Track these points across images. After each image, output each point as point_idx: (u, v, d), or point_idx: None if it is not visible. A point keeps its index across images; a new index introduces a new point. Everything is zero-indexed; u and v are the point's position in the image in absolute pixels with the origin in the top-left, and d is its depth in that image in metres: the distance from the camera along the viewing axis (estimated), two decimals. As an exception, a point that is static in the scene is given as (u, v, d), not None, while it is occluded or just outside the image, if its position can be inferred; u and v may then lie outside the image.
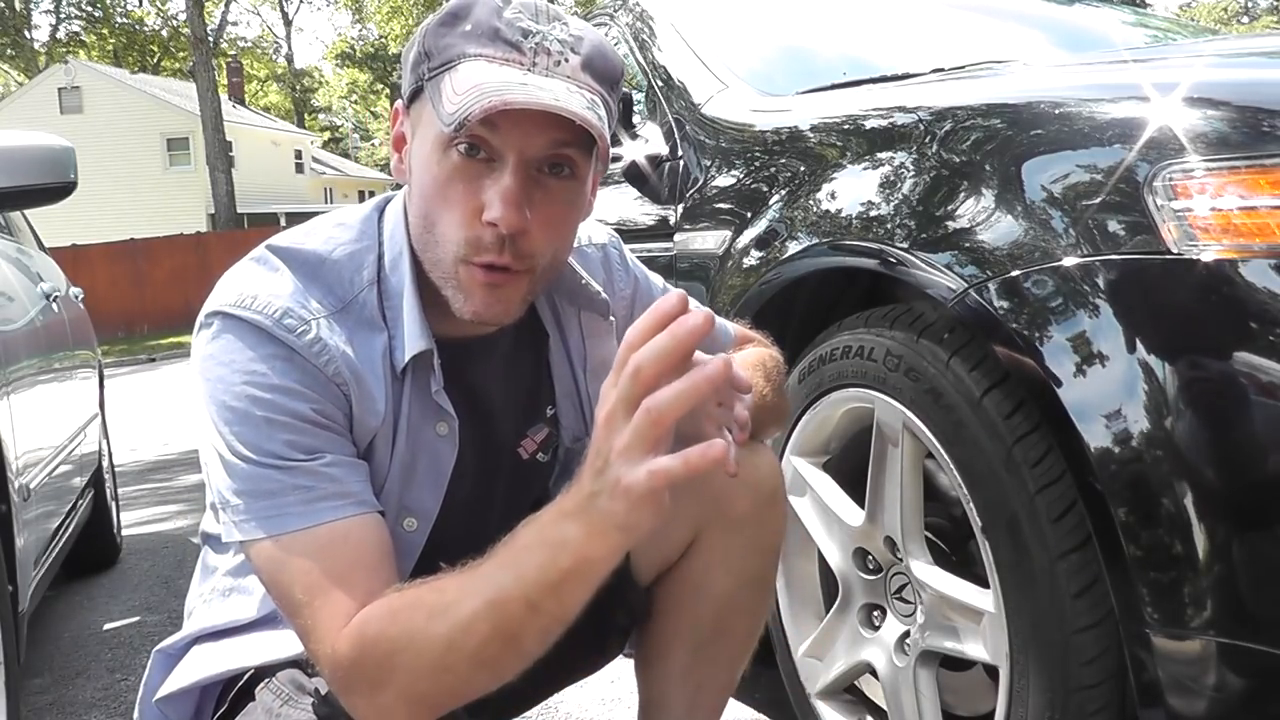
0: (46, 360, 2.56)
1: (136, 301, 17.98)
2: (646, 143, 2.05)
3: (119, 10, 32.64)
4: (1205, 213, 1.03)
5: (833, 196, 1.52)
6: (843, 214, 1.48)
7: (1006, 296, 1.16)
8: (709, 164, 1.89)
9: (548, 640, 0.82)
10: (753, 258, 1.65)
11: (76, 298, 3.41)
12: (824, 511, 1.54)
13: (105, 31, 32.37)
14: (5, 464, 1.82)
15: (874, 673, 1.49)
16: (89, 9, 32.08)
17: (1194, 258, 1.02)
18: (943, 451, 1.27)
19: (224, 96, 25.97)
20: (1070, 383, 1.09)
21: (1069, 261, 1.11)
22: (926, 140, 1.37)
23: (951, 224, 1.26)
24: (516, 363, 1.09)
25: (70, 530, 2.69)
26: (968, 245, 1.23)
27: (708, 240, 1.82)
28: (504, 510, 1.11)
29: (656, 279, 1.23)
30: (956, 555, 1.41)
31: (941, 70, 1.82)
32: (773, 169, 1.72)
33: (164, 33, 31.92)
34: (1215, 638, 1.00)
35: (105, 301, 14.75)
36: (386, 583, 0.89)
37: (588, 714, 1.89)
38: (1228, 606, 1.00)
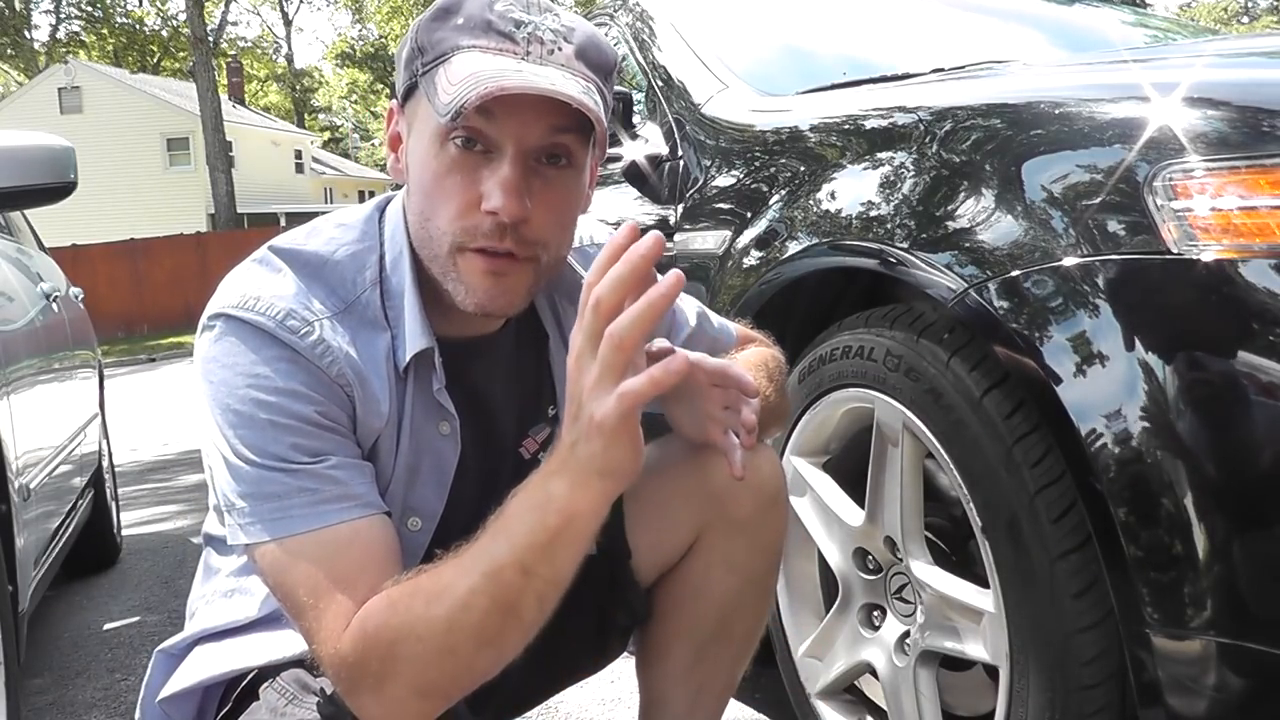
0: (46, 360, 2.56)
1: (136, 301, 17.99)
2: (646, 143, 2.06)
3: (119, 10, 32.65)
4: (1205, 213, 1.03)
5: (833, 196, 1.52)
6: (843, 214, 1.48)
7: (1006, 296, 1.16)
8: (709, 164, 1.89)
9: (546, 608, 0.82)
10: (753, 258, 1.65)
11: (76, 298, 3.41)
12: (824, 511, 1.54)
13: (105, 31, 32.37)
14: (5, 464, 1.82)
15: (874, 673, 1.49)
16: (89, 9, 32.08)
17: (1194, 258, 1.02)
18: (943, 451, 1.27)
19: (224, 96, 25.98)
20: (1070, 383, 1.09)
21: (1069, 261, 1.11)
22: (926, 140, 1.37)
23: (951, 224, 1.26)
24: (518, 362, 1.09)
25: (70, 530, 2.69)
26: (968, 245, 1.23)
27: (708, 240, 1.82)
28: (505, 510, 1.11)
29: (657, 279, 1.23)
30: (956, 555, 1.41)
31: (941, 70, 1.82)
32: (773, 169, 1.72)
33: (164, 33, 31.94)
34: (1215, 638, 1.00)
35: (105, 301, 14.75)
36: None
37: (588, 714, 1.89)
38: (1228, 606, 1.00)
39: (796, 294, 1.61)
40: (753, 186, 1.75)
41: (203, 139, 21.26)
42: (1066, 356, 1.10)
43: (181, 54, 30.43)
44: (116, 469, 3.96)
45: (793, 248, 1.56)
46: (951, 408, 1.25)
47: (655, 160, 2.01)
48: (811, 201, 1.56)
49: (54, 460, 2.41)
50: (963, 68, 1.84)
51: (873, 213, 1.40)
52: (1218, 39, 2.31)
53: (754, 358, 1.18)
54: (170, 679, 1.06)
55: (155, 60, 33.36)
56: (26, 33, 32.06)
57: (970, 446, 1.23)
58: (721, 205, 1.82)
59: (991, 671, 1.31)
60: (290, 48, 46.40)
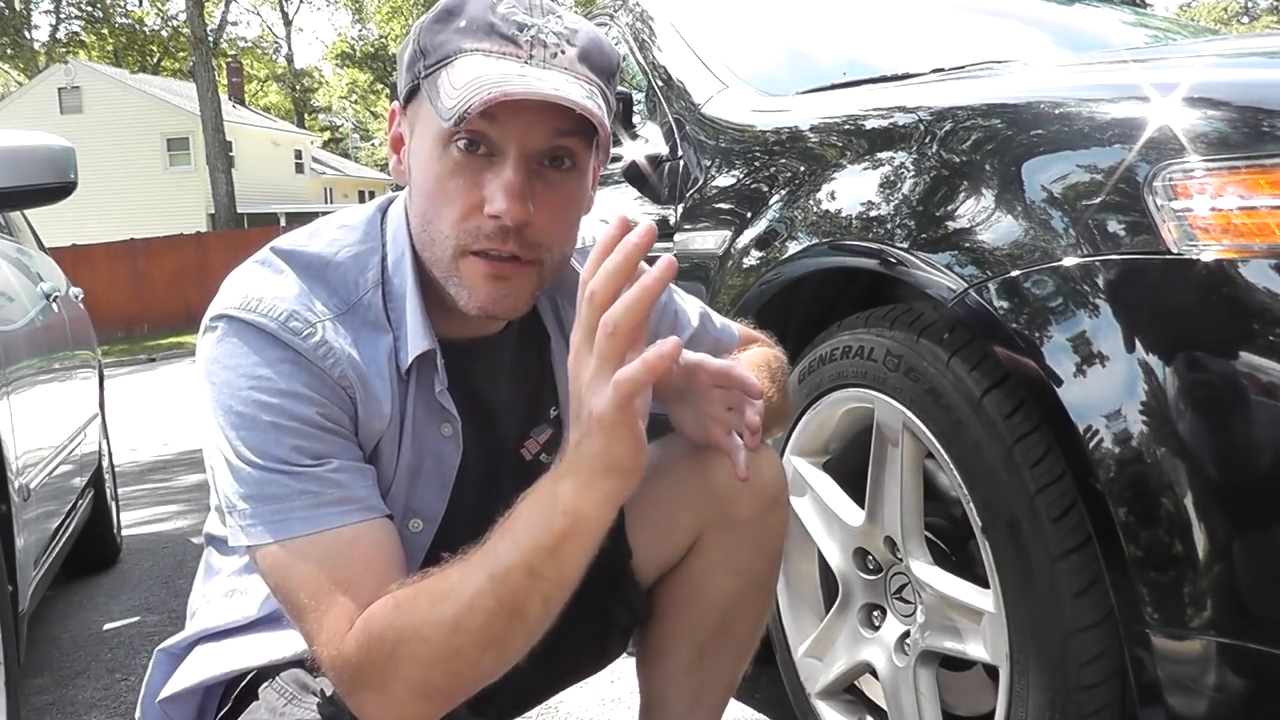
0: (46, 360, 2.56)
1: (136, 301, 17.98)
2: (646, 143, 2.06)
3: (119, 10, 32.64)
4: (1205, 213, 1.03)
5: (833, 196, 1.52)
6: (843, 214, 1.48)
7: (1006, 296, 1.16)
8: (709, 164, 1.89)
9: (551, 610, 0.82)
10: (753, 258, 1.65)
11: (76, 298, 3.41)
12: (824, 511, 1.54)
13: (105, 31, 32.38)
14: (5, 464, 1.82)
15: (874, 673, 1.49)
16: (89, 9, 32.09)
17: (1194, 258, 1.02)
18: (943, 451, 1.27)
19: (224, 96, 25.98)
20: (1070, 383, 1.09)
21: (1069, 261, 1.11)
22: (926, 140, 1.37)
23: (951, 224, 1.26)
24: (520, 364, 1.09)
25: (70, 530, 2.69)
26: (968, 245, 1.23)
27: (708, 240, 1.82)
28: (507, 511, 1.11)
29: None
30: (956, 555, 1.41)
31: (941, 70, 1.82)
32: (773, 169, 1.72)
33: (164, 33, 31.93)
34: (1215, 638, 1.00)
35: (105, 301, 14.74)
36: (394, 587, 0.89)
37: (588, 714, 1.89)
38: (1228, 606, 1.00)
39: (796, 294, 1.61)
40: (753, 186, 1.75)
41: (203, 139, 21.26)
42: (1066, 356, 1.10)
43: (181, 54, 30.44)
44: (116, 469, 3.96)
45: (793, 248, 1.56)
46: (951, 408, 1.25)
47: (655, 160, 2.01)
48: (811, 201, 1.56)
49: (54, 460, 2.42)
50: (963, 68, 1.84)
51: (873, 213, 1.40)
52: (1218, 39, 2.31)
53: (756, 358, 1.18)
54: (170, 679, 1.06)
55: (155, 60, 33.37)
56: (26, 33, 32.06)
57: (970, 446, 1.23)
58: (721, 205, 1.82)
59: (991, 671, 1.31)
60: (290, 48, 46.44)
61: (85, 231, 20.03)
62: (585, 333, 0.74)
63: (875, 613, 1.50)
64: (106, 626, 2.80)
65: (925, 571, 1.36)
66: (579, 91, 0.88)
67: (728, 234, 1.76)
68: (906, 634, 1.43)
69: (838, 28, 2.36)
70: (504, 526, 0.82)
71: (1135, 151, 1.09)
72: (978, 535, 1.24)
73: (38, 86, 28.45)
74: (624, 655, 1.24)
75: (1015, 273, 1.16)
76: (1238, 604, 1.00)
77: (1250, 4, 41.92)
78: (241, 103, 33.34)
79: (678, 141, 1.99)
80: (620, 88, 2.15)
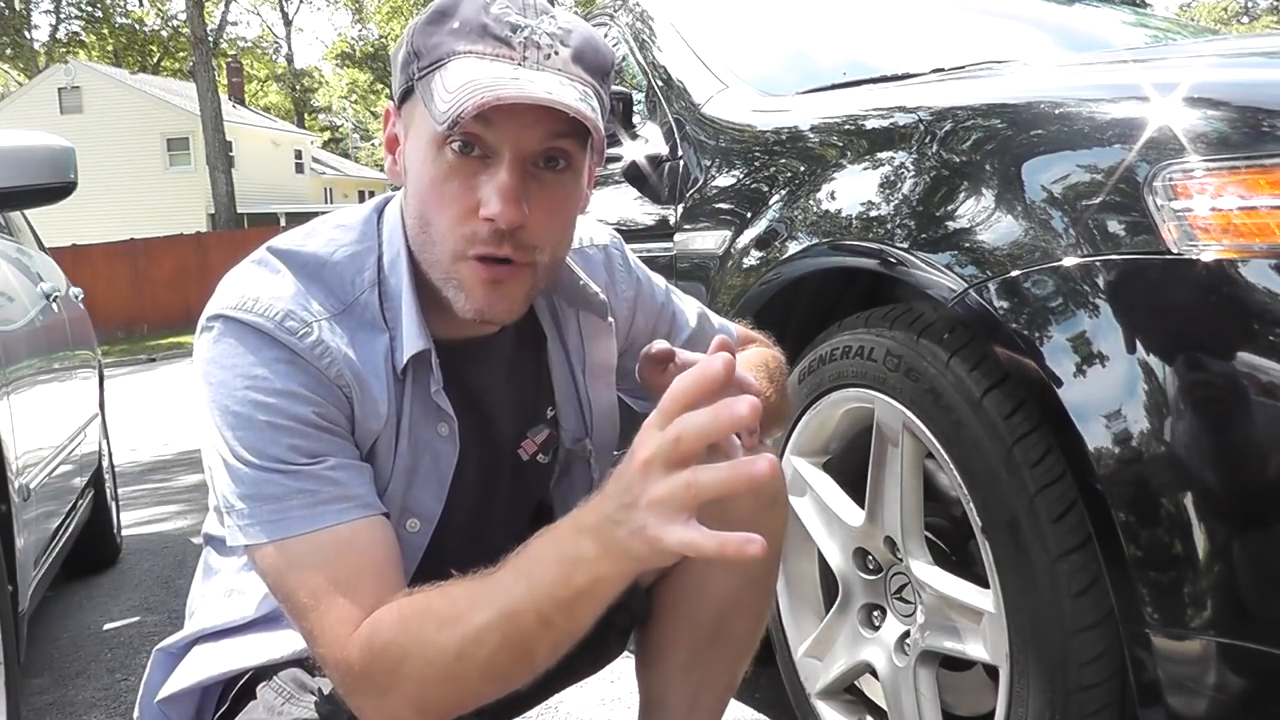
0: (46, 360, 2.56)
1: (136, 301, 17.99)
2: (646, 143, 2.06)
3: (119, 10, 32.64)
4: (1205, 213, 1.03)
5: (833, 196, 1.52)
6: (843, 214, 1.48)
7: (1006, 296, 1.16)
8: (709, 164, 1.89)
9: (558, 653, 0.82)
10: (753, 258, 1.65)
11: (76, 298, 3.41)
12: (824, 511, 1.54)
13: (105, 31, 32.37)
14: (5, 464, 1.82)
15: (874, 673, 1.49)
16: (89, 9, 32.08)
17: (1194, 258, 1.02)
18: (943, 451, 1.27)
19: (224, 96, 25.97)
20: (1070, 383, 1.09)
21: (1069, 261, 1.11)
22: (926, 140, 1.37)
23: (951, 224, 1.26)
24: (517, 364, 1.08)
25: (70, 530, 2.69)
26: (968, 245, 1.23)
27: (708, 240, 1.82)
28: (506, 511, 1.11)
29: (659, 280, 1.23)
30: (956, 555, 1.41)
31: (941, 70, 1.82)
32: (773, 169, 1.72)
33: (164, 33, 31.93)
34: (1215, 638, 1.00)
35: (105, 301, 14.75)
36: (393, 586, 0.89)
37: (588, 714, 1.89)
38: (1228, 606, 1.00)
39: (796, 294, 1.61)
40: (753, 186, 1.75)
41: (203, 139, 21.26)
42: (1067, 356, 1.10)
43: (181, 54, 30.44)
44: (116, 469, 3.96)
45: (793, 248, 1.56)
46: (951, 408, 1.25)
47: (655, 160, 2.01)
48: (811, 201, 1.56)
49: (54, 460, 2.41)
50: (963, 68, 1.84)
51: (873, 213, 1.40)
52: (1218, 39, 2.31)
53: (755, 358, 1.18)
54: (169, 679, 1.06)
55: (155, 60, 33.36)
56: (26, 33, 32.06)
57: (970, 446, 1.23)
58: (721, 205, 1.82)
59: (991, 671, 1.31)
60: (290, 48, 46.45)
61: (85, 231, 20.03)
62: (663, 459, 0.72)
63: (875, 613, 1.50)
64: (106, 626, 2.80)
65: (925, 571, 1.36)
66: (572, 94, 0.88)
67: (728, 234, 1.76)
68: (906, 634, 1.43)
69: (838, 28, 2.36)
70: (519, 564, 0.81)
71: (1135, 151, 1.09)
72: (978, 535, 1.24)
73: (38, 86, 28.45)
74: (623, 655, 1.24)
75: (1015, 273, 1.16)
76: (1238, 604, 1.00)
77: (1250, 4, 41.91)
78: (241, 103, 33.34)
79: (678, 141, 1.99)
80: (620, 88, 2.15)
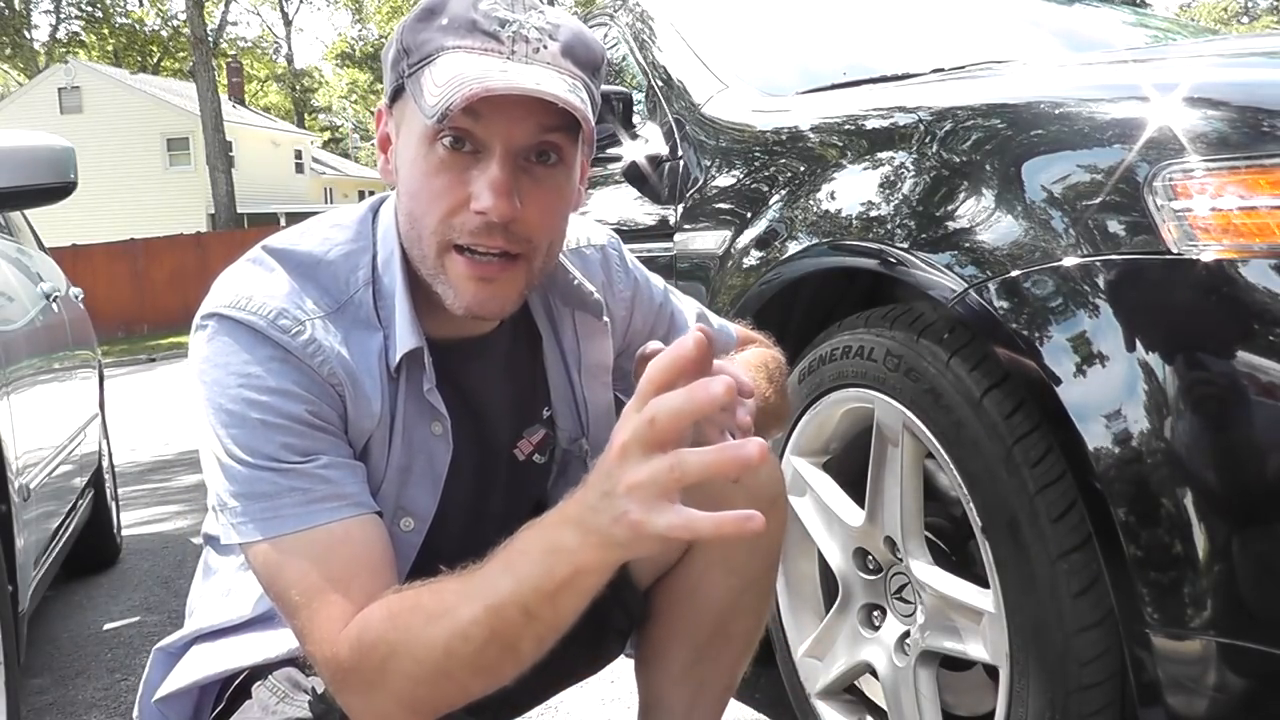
0: (46, 360, 2.56)
1: (136, 301, 17.99)
2: (646, 143, 2.05)
3: (119, 10, 32.63)
4: (1205, 213, 1.03)
5: (833, 196, 1.52)
6: (843, 214, 1.48)
7: (1006, 296, 1.16)
8: (709, 164, 1.89)
9: (543, 647, 0.82)
10: (753, 258, 1.65)
11: (76, 298, 3.41)
12: (824, 511, 1.54)
13: (105, 31, 32.37)
14: (5, 464, 1.82)
15: (874, 673, 1.49)
16: (89, 9, 32.08)
17: (1194, 258, 1.02)
18: (943, 451, 1.27)
19: (224, 96, 25.98)
20: (1070, 383, 1.09)
21: (1069, 261, 1.11)
22: (926, 140, 1.37)
23: (951, 224, 1.26)
24: (512, 364, 1.08)
25: (70, 530, 2.69)
26: (968, 245, 1.23)
27: (708, 240, 1.82)
28: (502, 512, 1.11)
29: (657, 281, 1.23)
30: (956, 555, 1.41)
31: (941, 70, 1.82)
32: (773, 169, 1.72)
33: (164, 33, 31.92)
34: (1215, 638, 1.00)
35: (105, 301, 14.75)
36: (386, 584, 0.89)
37: (588, 714, 1.89)
38: (1228, 606, 1.00)
39: (796, 294, 1.61)
40: (753, 186, 1.75)
41: (203, 139, 21.26)
42: (1066, 356, 1.10)
43: (181, 54, 30.44)
44: (116, 469, 3.96)
45: (793, 248, 1.56)
46: (951, 408, 1.25)
47: (655, 160, 2.01)
48: (811, 201, 1.56)
49: (54, 460, 2.41)
50: (963, 68, 1.84)
51: (873, 213, 1.40)
52: (1218, 39, 2.30)
53: (753, 358, 1.18)
54: (166, 679, 1.06)
55: (155, 60, 33.36)
56: (26, 33, 32.06)
57: (970, 446, 1.23)
58: (721, 205, 1.82)
59: (991, 671, 1.31)
60: (290, 48, 46.45)
61: (85, 231, 20.03)
62: (639, 441, 0.71)
63: (875, 613, 1.50)
64: (106, 626, 2.80)
65: (925, 571, 1.36)
66: (562, 86, 0.88)
67: (728, 234, 1.76)
68: (906, 634, 1.43)
69: (838, 28, 2.36)
70: (505, 557, 0.81)
71: (1135, 151, 1.09)
72: (978, 535, 1.24)
73: (38, 86, 28.45)
74: (623, 655, 1.24)
75: (1015, 273, 1.16)
76: (1238, 604, 1.00)
77: (1250, 4, 41.92)
78: (241, 103, 33.34)
79: (678, 141, 1.99)
80: (620, 87, 2.15)
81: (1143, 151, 1.08)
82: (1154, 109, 1.11)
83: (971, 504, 1.23)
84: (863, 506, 1.46)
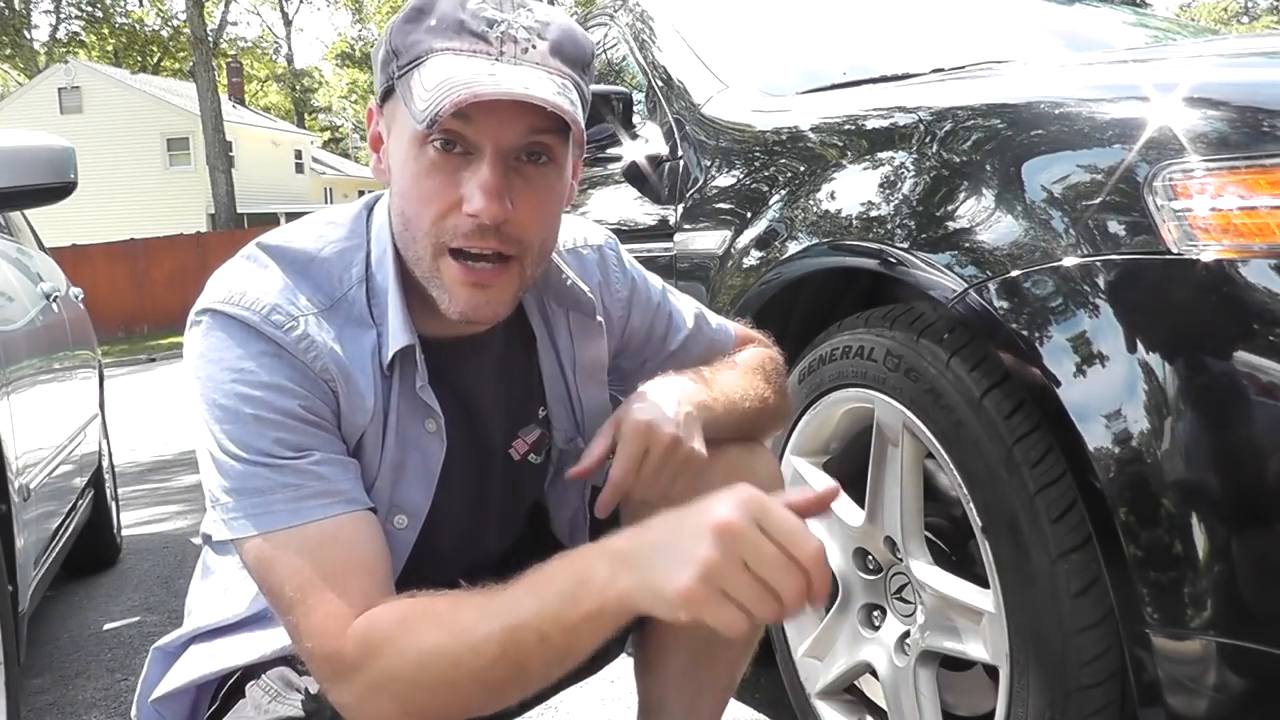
0: (46, 360, 2.56)
1: (136, 301, 17.99)
2: (646, 143, 2.05)
3: (119, 10, 32.63)
4: (1205, 213, 1.03)
5: (833, 197, 1.52)
6: (843, 214, 1.48)
7: (1006, 296, 1.16)
8: (709, 164, 1.89)
9: (550, 676, 0.83)
10: (753, 258, 1.65)
11: (76, 298, 3.41)
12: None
13: (105, 31, 32.34)
14: (5, 464, 1.82)
15: (874, 673, 1.49)
16: (89, 9, 32.06)
17: (1194, 258, 1.02)
18: (943, 452, 1.27)
19: (224, 96, 25.97)
20: (1070, 383, 1.09)
21: (1069, 261, 1.11)
22: (926, 140, 1.37)
23: (951, 224, 1.26)
24: (508, 363, 1.08)
25: (70, 530, 2.69)
26: (968, 245, 1.23)
27: (708, 240, 1.82)
28: (499, 511, 1.11)
29: (655, 280, 1.23)
30: (956, 555, 1.41)
31: (941, 70, 1.82)
32: (773, 169, 1.72)
33: (164, 33, 31.91)
34: (1215, 638, 1.00)
35: (105, 301, 14.74)
36: (380, 581, 0.89)
37: (588, 714, 1.89)
38: (1228, 606, 1.00)
39: (796, 294, 1.61)
40: (753, 186, 1.75)
41: (203, 139, 21.25)
42: (1066, 356, 1.10)
43: (181, 54, 30.41)
44: (116, 469, 3.96)
45: (793, 248, 1.56)
46: (951, 408, 1.25)
47: (655, 160, 2.01)
48: (811, 201, 1.56)
49: (54, 460, 2.41)
50: (963, 68, 1.84)
51: (873, 213, 1.40)
52: (1218, 39, 2.31)
53: (752, 359, 1.18)
54: (164, 679, 1.06)
55: (155, 60, 33.36)
56: (26, 33, 32.05)
57: (970, 446, 1.23)
58: (721, 205, 1.82)
59: (991, 671, 1.31)
60: (290, 48, 46.45)
61: (85, 231, 20.03)
62: (746, 518, 0.76)
63: (875, 613, 1.50)
64: (106, 626, 2.80)
65: (925, 571, 1.36)
66: (550, 88, 0.88)
67: (728, 234, 1.76)
68: (906, 634, 1.43)
69: (838, 28, 2.36)
70: (532, 581, 0.82)
71: (1135, 151, 1.09)
72: (978, 535, 1.24)
73: (38, 86, 28.44)
74: (623, 655, 1.24)
75: (1015, 273, 1.16)
76: (1238, 604, 1.00)
77: (1250, 4, 41.91)
78: (241, 103, 33.34)
79: (678, 141, 1.99)
80: (620, 87, 2.15)
81: (1143, 151, 1.08)
82: (1154, 109, 1.11)
83: (971, 504, 1.23)
84: (863, 506, 1.46)
